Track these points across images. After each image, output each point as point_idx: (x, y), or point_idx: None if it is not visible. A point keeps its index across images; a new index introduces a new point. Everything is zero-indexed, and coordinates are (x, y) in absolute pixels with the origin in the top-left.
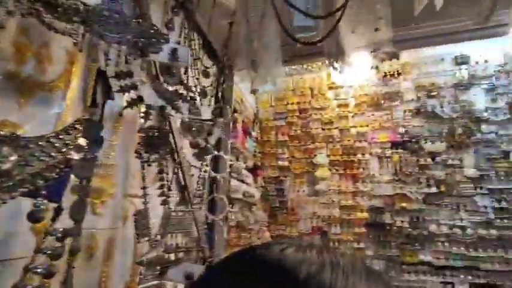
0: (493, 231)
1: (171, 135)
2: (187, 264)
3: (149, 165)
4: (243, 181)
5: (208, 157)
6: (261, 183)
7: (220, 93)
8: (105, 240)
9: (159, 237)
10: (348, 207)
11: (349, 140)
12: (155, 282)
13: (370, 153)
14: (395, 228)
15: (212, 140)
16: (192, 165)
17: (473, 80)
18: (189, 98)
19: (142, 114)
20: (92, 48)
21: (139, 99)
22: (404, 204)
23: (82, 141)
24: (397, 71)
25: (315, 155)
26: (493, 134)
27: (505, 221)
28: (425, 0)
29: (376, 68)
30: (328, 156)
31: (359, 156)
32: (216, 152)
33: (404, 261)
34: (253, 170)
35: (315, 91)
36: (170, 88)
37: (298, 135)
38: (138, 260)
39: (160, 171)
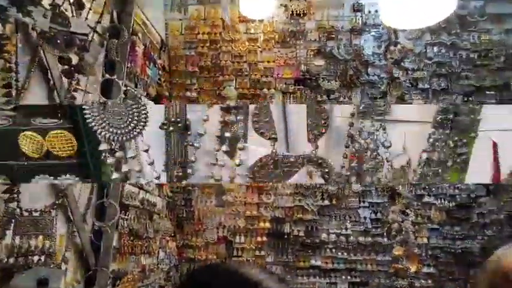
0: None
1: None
2: (40, 268)
3: None
4: (141, 188)
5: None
6: (167, 193)
7: (116, 12)
8: None
9: None
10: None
11: (255, 75)
12: None
13: (275, 88)
14: (292, 236)
15: (90, 59)
16: None
17: (365, 27)
18: (49, 5)
19: None
20: None
21: None
22: (301, 215)
23: None
24: (303, 11)
25: (224, 87)
26: (376, 77)
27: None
28: None
29: (285, 6)
30: (236, 88)
31: (265, 90)
32: (107, 76)
33: (298, 266)
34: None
35: (226, 23)
36: None
37: (208, 67)
38: None
39: None
